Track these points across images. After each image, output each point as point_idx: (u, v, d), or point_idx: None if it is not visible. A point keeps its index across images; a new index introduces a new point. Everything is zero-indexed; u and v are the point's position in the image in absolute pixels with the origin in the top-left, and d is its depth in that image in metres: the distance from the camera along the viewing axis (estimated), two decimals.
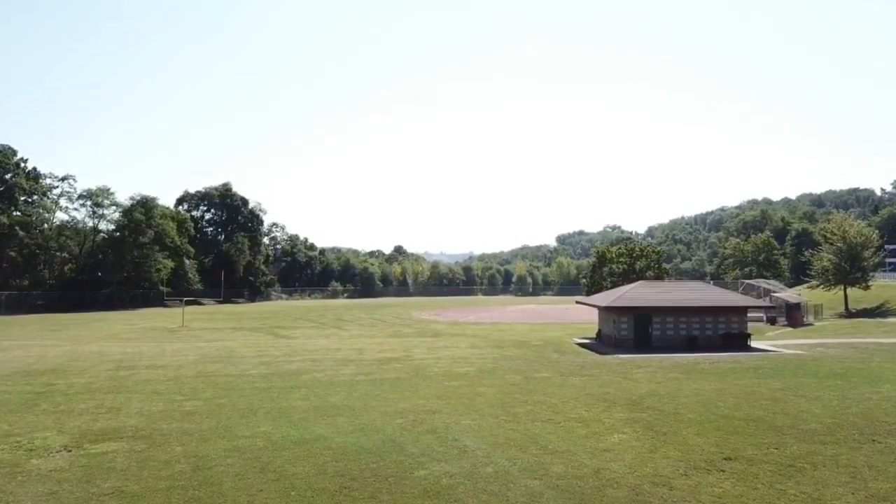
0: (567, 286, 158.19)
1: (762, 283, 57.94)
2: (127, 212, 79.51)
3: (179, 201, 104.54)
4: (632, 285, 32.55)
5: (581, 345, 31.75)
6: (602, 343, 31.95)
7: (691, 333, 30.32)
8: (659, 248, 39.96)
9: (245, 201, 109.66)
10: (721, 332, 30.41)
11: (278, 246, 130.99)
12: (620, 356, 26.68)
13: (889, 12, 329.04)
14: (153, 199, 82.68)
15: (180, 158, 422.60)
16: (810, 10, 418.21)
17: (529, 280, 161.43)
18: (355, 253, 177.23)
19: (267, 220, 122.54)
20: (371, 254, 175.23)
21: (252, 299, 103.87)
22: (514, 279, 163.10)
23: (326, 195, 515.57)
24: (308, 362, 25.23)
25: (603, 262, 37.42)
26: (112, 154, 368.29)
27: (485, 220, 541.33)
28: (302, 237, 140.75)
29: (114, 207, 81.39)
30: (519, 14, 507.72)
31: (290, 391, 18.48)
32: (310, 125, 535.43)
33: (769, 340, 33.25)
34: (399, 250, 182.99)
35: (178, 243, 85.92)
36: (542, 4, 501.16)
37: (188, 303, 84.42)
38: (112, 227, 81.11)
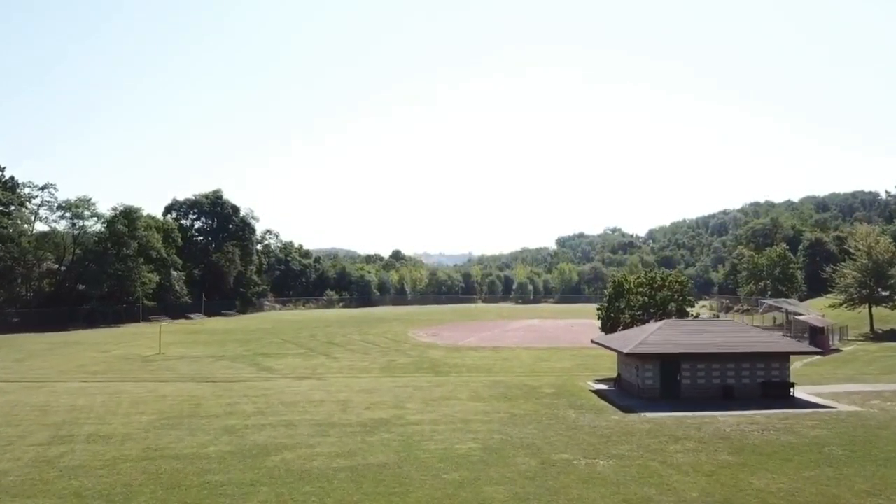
0: (568, 294, 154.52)
1: (784, 304, 54.35)
2: (109, 223, 75.51)
3: (168, 210, 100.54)
4: (656, 326, 28.64)
5: (598, 392, 27.90)
6: (622, 392, 28.09)
7: (726, 382, 26.43)
8: (683, 278, 36.00)
9: (236, 209, 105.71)
10: (759, 381, 26.53)
11: (272, 254, 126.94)
12: (648, 415, 22.86)
13: (891, 12, 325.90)
14: (137, 210, 78.74)
15: (179, 160, 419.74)
16: (812, 11, 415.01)
17: (530, 287, 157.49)
18: (352, 259, 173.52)
19: (260, 228, 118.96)
20: (368, 259, 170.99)
21: (243, 311, 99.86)
22: (514, 286, 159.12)
23: (325, 196, 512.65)
24: (281, 428, 21.37)
25: (620, 293, 33.58)
26: (109, 158, 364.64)
27: (484, 221, 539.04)
28: (296, 244, 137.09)
29: (95, 218, 77.37)
30: (519, 14, 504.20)
31: (247, 493, 14.63)
32: (309, 126, 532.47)
33: (810, 386, 29.35)
34: (397, 256, 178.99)
35: (165, 255, 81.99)
36: (542, 4, 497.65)
37: (173, 318, 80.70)
38: (94, 238, 77.02)
